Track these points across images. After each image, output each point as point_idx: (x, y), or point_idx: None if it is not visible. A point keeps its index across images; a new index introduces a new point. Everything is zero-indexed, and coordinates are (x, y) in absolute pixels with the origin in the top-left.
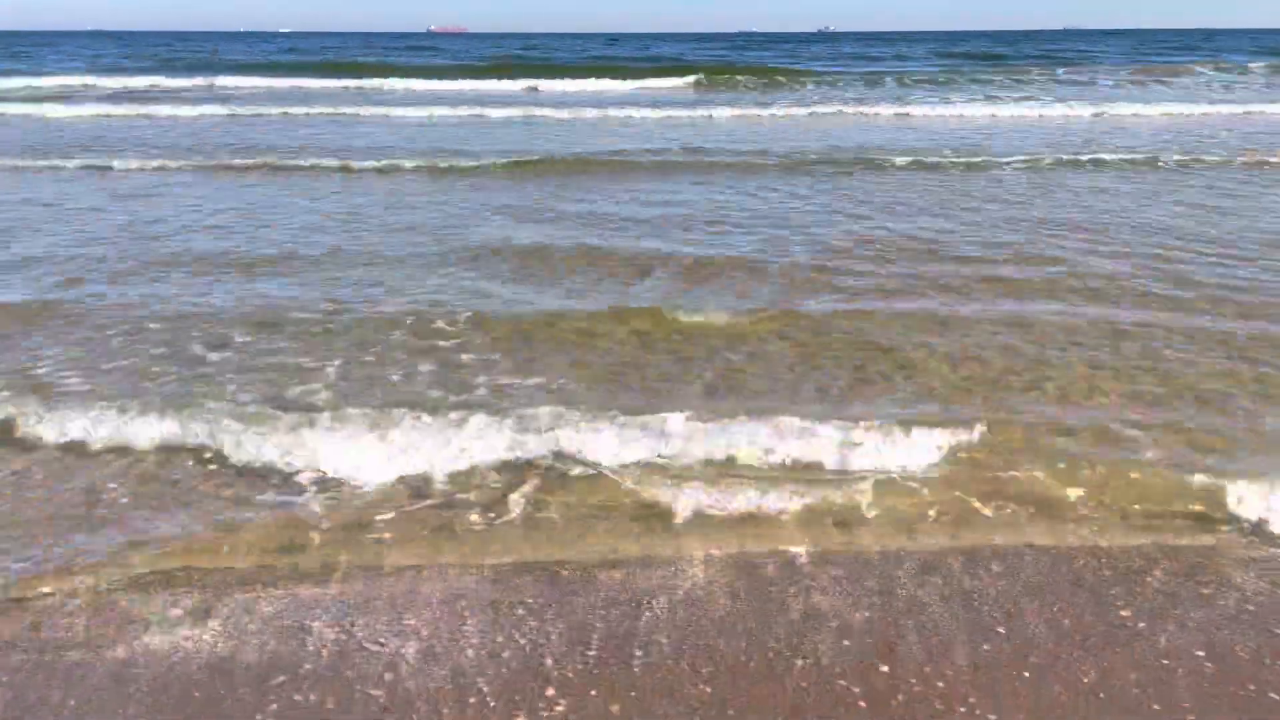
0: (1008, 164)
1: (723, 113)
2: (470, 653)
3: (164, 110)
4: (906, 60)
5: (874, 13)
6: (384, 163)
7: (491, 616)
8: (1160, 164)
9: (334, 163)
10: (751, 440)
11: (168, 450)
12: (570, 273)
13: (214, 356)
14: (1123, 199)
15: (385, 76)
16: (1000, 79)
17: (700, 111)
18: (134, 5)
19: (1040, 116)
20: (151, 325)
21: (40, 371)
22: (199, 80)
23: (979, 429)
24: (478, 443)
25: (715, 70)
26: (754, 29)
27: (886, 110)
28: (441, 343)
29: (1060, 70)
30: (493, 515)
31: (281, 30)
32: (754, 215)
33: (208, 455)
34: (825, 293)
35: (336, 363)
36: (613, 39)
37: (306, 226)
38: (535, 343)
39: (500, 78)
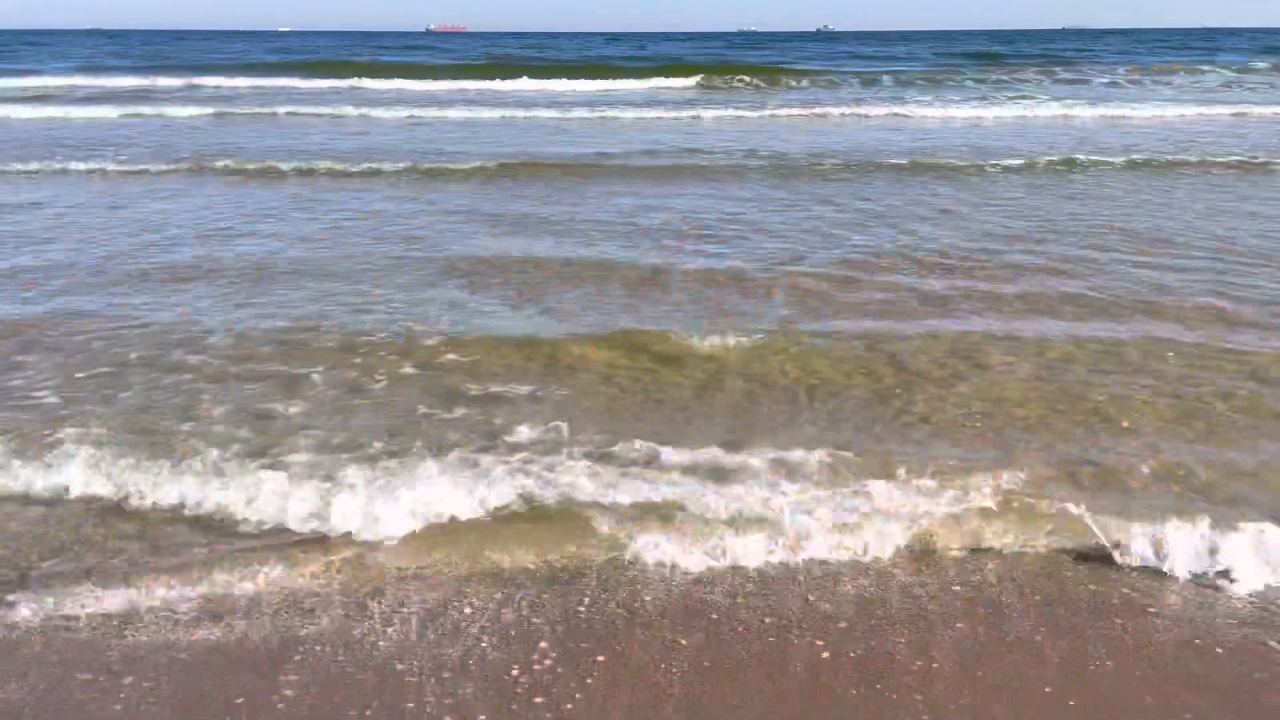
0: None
1: (725, 113)
2: None
3: (148, 110)
4: (909, 61)
5: (871, 12)
6: (364, 166)
7: None
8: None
9: (301, 166)
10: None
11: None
12: (555, 289)
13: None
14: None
15: (375, 76)
16: (1040, 78)
17: (711, 112)
18: (133, 4)
19: (1126, 117)
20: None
21: None
22: (173, 81)
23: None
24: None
25: (716, 69)
26: (753, 28)
27: (937, 113)
28: (409, 369)
29: (1093, 68)
30: None
31: (281, 29)
32: (758, 224)
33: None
34: (846, 312)
35: (299, 406)
36: (612, 38)
37: (269, 235)
38: (524, 371)
39: (493, 78)
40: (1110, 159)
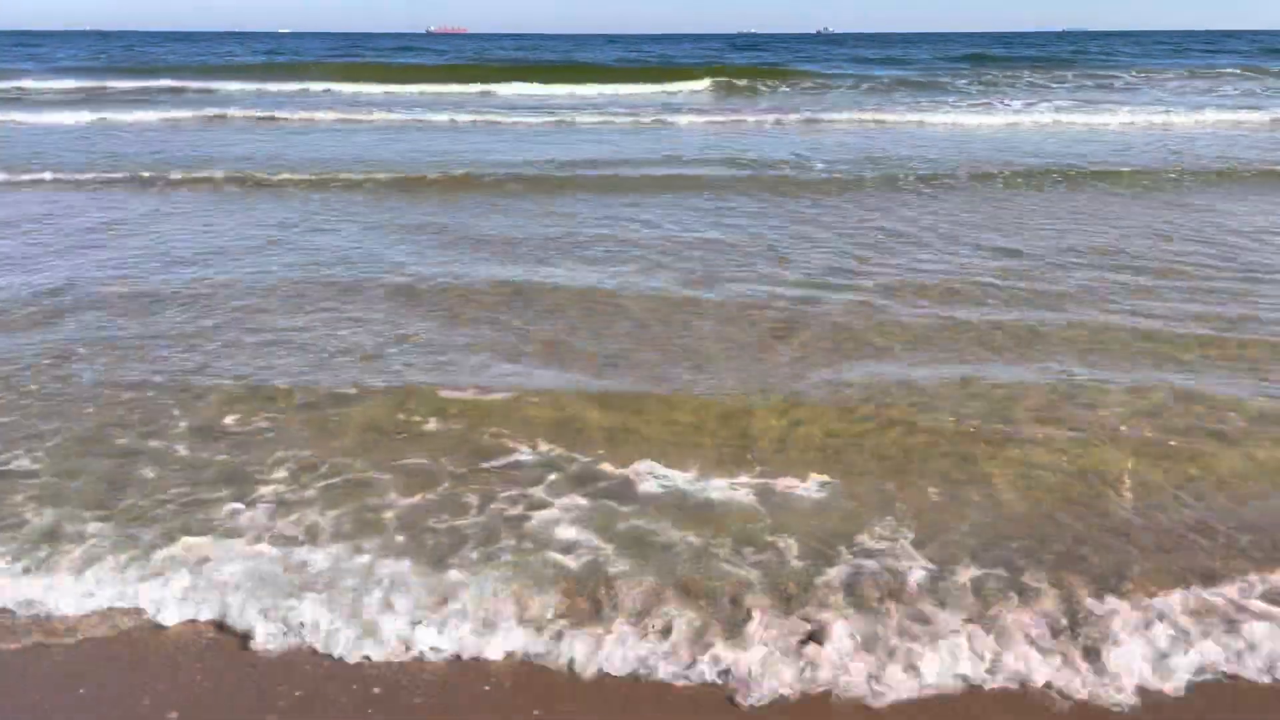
0: None
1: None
2: None
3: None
4: (943, 63)
5: (870, 15)
6: (321, 176)
7: None
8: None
9: (228, 173)
10: None
11: None
12: (486, 318)
13: None
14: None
15: (357, 80)
16: (1107, 81)
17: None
18: (134, 6)
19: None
20: None
21: None
22: (125, 84)
23: None
24: None
25: (760, 72)
26: (753, 29)
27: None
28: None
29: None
30: None
31: (281, 31)
32: (767, 243)
33: None
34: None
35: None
36: (611, 39)
37: (157, 254)
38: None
39: (498, 81)
40: None
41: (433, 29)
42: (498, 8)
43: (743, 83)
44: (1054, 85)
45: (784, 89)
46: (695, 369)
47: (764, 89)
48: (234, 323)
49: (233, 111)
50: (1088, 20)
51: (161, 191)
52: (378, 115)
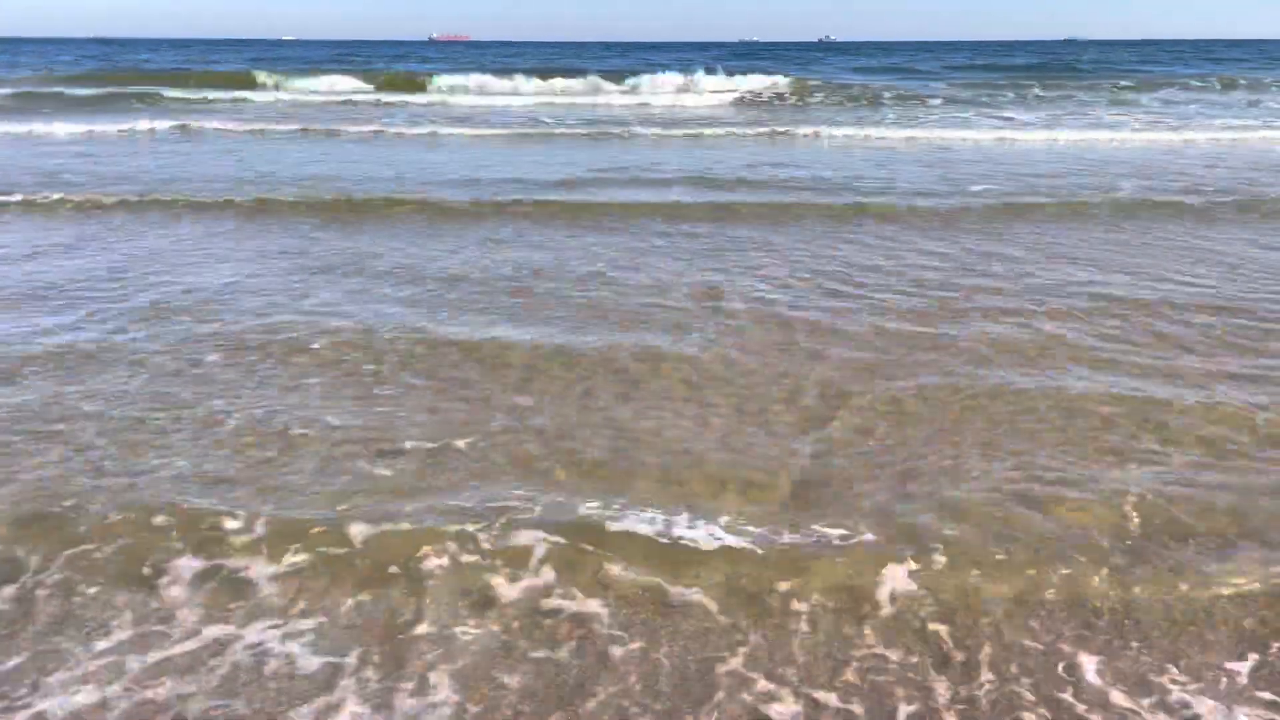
0: None
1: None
2: None
3: None
4: (976, 71)
5: (871, 23)
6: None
7: None
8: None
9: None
10: None
11: None
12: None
13: None
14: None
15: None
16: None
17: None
18: (140, 14)
19: None
20: None
21: None
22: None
23: None
24: None
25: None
26: (755, 37)
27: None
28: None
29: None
30: None
31: (285, 38)
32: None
33: None
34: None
35: None
36: (607, 47)
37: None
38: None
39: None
40: None
41: (435, 36)
42: (499, 16)
43: (789, 92)
44: (1143, 98)
45: (877, 99)
46: None
47: (815, 99)
48: None
49: None
50: (1082, 31)
51: None
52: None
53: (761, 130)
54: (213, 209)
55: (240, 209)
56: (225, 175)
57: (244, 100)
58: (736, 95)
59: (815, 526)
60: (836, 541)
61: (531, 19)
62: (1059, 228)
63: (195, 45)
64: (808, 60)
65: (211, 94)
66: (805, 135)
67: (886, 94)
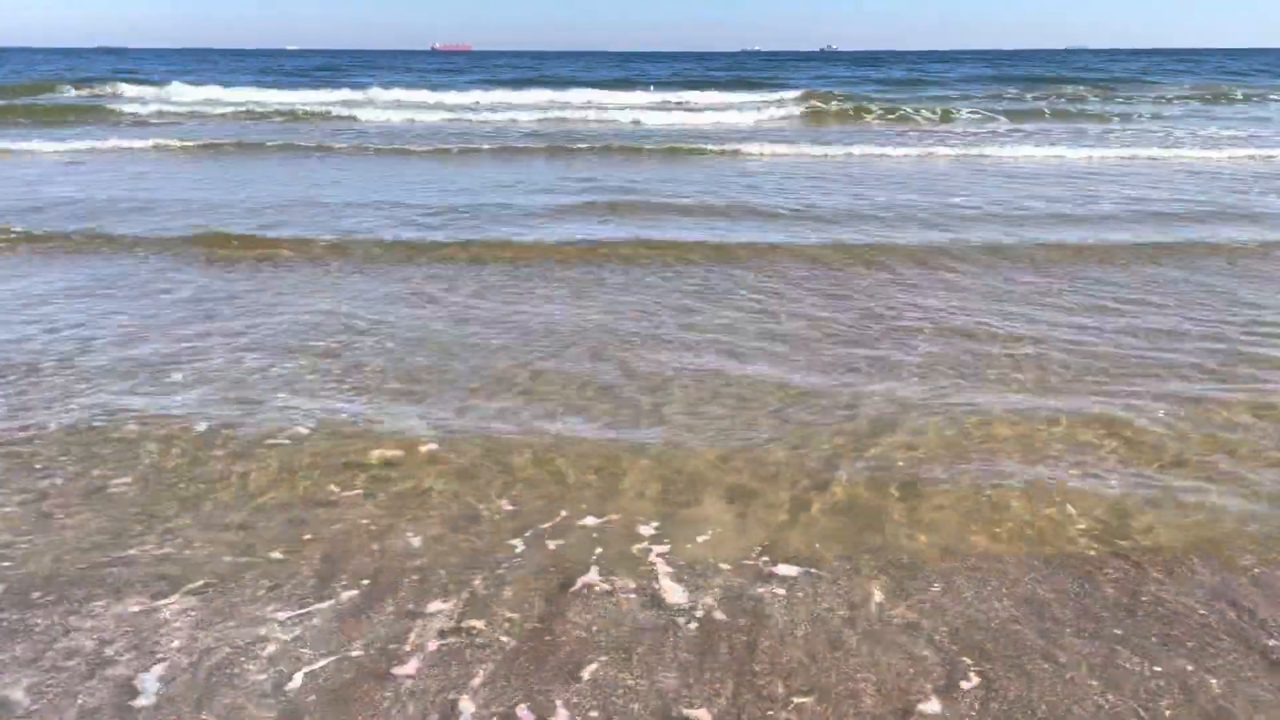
0: None
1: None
2: None
3: None
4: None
5: (872, 33)
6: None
7: None
8: None
9: None
10: None
11: None
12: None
13: None
14: None
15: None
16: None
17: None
18: (148, 25)
19: None
20: None
21: None
22: None
23: None
24: None
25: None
26: (757, 47)
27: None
28: None
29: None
30: None
31: (289, 48)
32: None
33: None
34: None
35: None
36: (604, 55)
37: None
38: None
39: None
40: None
41: (436, 46)
42: (500, 26)
43: (831, 106)
44: (1181, 112)
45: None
46: None
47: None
48: None
49: None
50: (1081, 40)
51: None
52: None
53: (908, 152)
54: None
55: None
56: None
57: None
58: (801, 111)
59: None
60: None
61: (531, 30)
62: None
63: (195, 54)
64: (812, 70)
65: None
66: (953, 156)
67: (963, 109)
